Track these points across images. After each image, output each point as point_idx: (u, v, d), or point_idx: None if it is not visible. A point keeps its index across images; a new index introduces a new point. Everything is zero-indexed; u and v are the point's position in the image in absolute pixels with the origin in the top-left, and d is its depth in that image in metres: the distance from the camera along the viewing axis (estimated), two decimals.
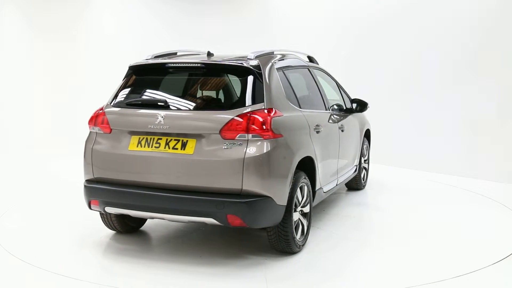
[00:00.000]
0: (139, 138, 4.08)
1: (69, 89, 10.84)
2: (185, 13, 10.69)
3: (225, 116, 3.89)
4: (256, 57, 4.24)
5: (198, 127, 3.94)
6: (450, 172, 7.68)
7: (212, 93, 4.42)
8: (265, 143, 3.84)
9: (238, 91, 4.16)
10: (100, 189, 4.16)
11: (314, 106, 5.04)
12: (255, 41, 9.77)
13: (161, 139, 4.01)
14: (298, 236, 4.27)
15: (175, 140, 3.97)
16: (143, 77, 4.47)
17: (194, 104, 4.21)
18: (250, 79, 4.08)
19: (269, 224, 3.98)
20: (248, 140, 3.83)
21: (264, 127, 3.85)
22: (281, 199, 3.95)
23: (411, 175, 7.66)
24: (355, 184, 6.50)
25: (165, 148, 3.98)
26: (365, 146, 6.59)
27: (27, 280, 3.87)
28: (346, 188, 6.61)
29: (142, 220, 4.88)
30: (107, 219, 4.62)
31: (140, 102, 4.29)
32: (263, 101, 3.98)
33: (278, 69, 4.41)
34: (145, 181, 4.04)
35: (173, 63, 4.33)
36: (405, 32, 8.36)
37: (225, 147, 3.84)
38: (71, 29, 10.65)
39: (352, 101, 5.89)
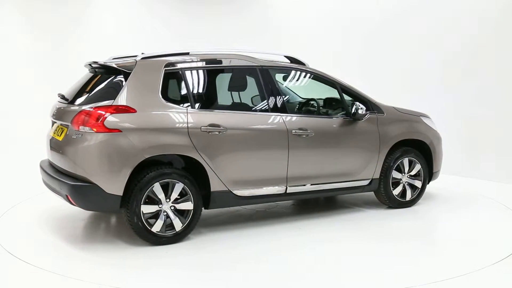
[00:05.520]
0: (55, 125, 4.83)
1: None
2: (185, 13, 10.67)
3: (76, 110, 4.45)
4: (143, 58, 4.63)
5: (62, 118, 4.61)
6: (450, 172, 7.68)
7: (90, 90, 4.73)
8: (95, 136, 4.26)
9: (103, 89, 4.63)
10: (40, 168, 5.03)
11: (233, 106, 5.09)
12: (256, 41, 9.76)
13: (59, 126, 4.72)
14: (156, 229, 4.44)
15: (61, 128, 4.64)
16: (85, 75, 5.07)
17: (73, 99, 4.71)
18: (114, 78, 4.60)
19: (102, 209, 4.65)
20: (84, 132, 4.30)
21: (95, 121, 4.26)
22: (112, 189, 4.28)
23: None
24: (383, 201, 5.73)
25: (57, 134, 4.68)
26: (405, 160, 5.68)
27: (27, 280, 3.87)
28: (386, 207, 5.78)
29: None
30: None
31: (58, 95, 5.02)
32: (114, 99, 4.37)
33: (172, 70, 4.66)
34: (51, 162, 4.88)
35: (87, 63, 4.95)
36: (405, 32, 8.36)
37: (74, 136, 4.38)
38: (71, 29, 10.64)
39: (352, 105, 5.34)
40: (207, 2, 10.61)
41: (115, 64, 4.60)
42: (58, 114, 4.73)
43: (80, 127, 4.31)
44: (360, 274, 4.00)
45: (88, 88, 4.74)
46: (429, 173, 5.94)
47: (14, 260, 4.18)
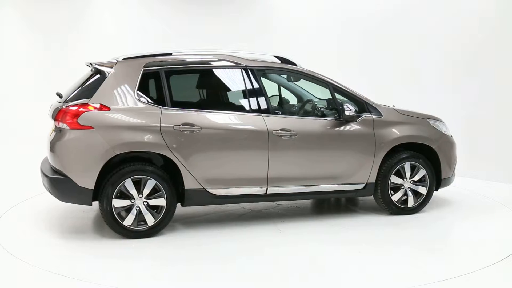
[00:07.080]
0: (52, 124, 4.89)
1: None
2: (185, 13, 10.68)
3: (59, 107, 4.66)
4: (124, 59, 4.85)
5: (52, 115, 4.73)
6: None
7: (78, 89, 4.85)
8: (69, 132, 4.52)
9: (86, 88, 4.77)
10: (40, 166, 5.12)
11: (211, 106, 4.97)
12: (256, 41, 9.76)
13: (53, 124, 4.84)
14: (128, 222, 4.61)
15: (53, 126, 4.78)
16: (82, 75, 5.15)
17: (66, 97, 4.79)
18: (95, 78, 4.79)
19: (76, 201, 4.67)
20: (62, 128, 4.55)
21: (70, 118, 4.50)
22: (84, 182, 4.51)
23: None
24: (382, 206, 5.48)
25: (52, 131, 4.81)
26: (407, 165, 5.40)
27: (27, 280, 3.87)
28: (389, 212, 5.49)
29: None
30: None
31: (56, 94, 5.10)
32: (91, 97, 4.60)
33: (152, 70, 4.79)
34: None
35: (87, 64, 5.08)
36: (405, 32, 8.36)
37: (55, 133, 4.62)
38: (71, 29, 10.64)
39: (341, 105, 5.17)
40: (207, 2, 10.61)
41: (98, 64, 4.83)
42: (53, 113, 4.85)
43: (60, 123, 4.56)
44: (359, 274, 4.00)
45: (78, 87, 4.87)
46: (437, 180, 5.61)
47: (14, 260, 4.18)
